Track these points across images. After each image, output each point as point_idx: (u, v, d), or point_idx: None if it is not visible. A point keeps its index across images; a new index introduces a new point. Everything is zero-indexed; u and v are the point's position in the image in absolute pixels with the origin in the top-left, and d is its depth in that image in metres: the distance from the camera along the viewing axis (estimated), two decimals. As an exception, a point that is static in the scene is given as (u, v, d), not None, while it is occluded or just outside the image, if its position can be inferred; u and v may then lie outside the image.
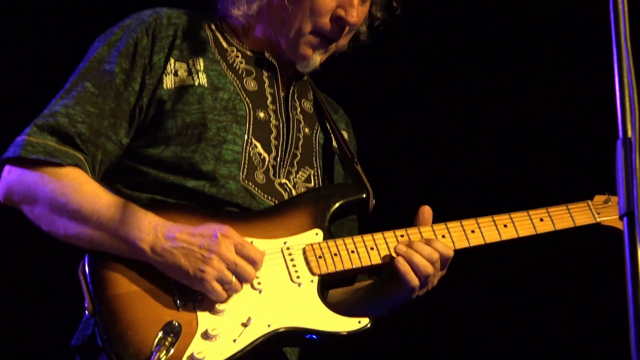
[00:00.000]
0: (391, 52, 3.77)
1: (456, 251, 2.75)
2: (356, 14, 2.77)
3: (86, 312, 2.53)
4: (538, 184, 4.01)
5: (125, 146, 2.72)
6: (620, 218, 2.01)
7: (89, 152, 2.66)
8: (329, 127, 2.97)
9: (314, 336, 2.58)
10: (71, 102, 2.67)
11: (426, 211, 2.78)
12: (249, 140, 2.76)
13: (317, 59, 2.83)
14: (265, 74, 2.88)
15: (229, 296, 2.52)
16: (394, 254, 2.69)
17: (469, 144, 4.69)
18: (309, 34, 2.81)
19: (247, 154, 2.74)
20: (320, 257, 2.65)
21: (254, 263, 2.53)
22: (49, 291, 4.24)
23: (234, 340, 2.51)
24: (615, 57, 2.03)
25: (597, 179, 2.78)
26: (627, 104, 2.04)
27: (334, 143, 2.99)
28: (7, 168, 2.66)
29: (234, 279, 2.50)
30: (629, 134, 2.03)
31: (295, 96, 2.94)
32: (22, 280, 4.23)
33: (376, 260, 2.69)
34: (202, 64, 2.79)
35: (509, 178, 4.59)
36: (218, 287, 2.49)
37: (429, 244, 2.69)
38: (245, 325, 2.53)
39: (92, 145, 2.66)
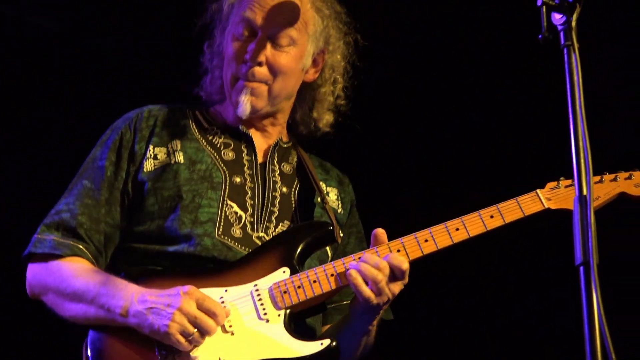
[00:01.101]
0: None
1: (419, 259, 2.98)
2: (252, 53, 3.12)
3: None
4: (503, 182, 4.18)
5: (123, 228, 3.08)
6: (577, 267, 2.23)
7: (92, 239, 3.04)
8: (310, 185, 3.25)
9: None
10: (72, 199, 3.08)
11: (379, 233, 3.01)
12: (224, 202, 3.08)
13: (247, 102, 3.14)
14: (242, 144, 3.23)
15: (199, 344, 2.80)
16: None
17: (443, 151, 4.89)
18: (233, 82, 3.18)
19: (222, 213, 3.06)
20: (285, 292, 2.90)
21: (214, 315, 2.78)
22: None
23: None
24: (571, 124, 2.25)
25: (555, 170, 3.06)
26: (583, 165, 2.26)
27: (317, 198, 3.25)
28: (28, 268, 3.05)
29: (195, 331, 2.76)
30: (584, 192, 2.25)
31: (275, 161, 3.26)
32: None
33: (336, 284, 2.93)
34: (179, 145, 3.16)
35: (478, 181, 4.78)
36: (181, 338, 2.76)
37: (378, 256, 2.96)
38: None
39: (94, 232, 3.05)
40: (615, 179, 3.11)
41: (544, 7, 2.34)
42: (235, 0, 3.23)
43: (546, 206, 3.05)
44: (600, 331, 2.15)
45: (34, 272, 3.03)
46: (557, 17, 2.33)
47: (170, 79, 4.34)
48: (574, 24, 2.31)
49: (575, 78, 2.28)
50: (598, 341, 2.15)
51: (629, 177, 3.11)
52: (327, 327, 3.21)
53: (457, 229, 2.99)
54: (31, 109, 4.74)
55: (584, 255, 2.20)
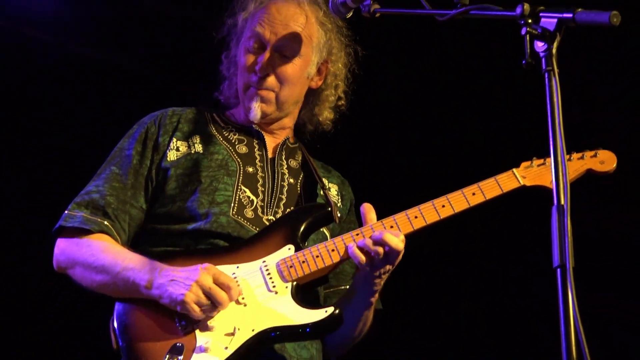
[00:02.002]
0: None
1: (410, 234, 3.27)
2: (261, 64, 3.44)
3: (113, 345, 3.17)
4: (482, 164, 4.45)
5: (146, 210, 3.38)
6: (555, 270, 2.45)
7: (118, 218, 3.33)
8: (314, 178, 3.56)
9: (296, 330, 3.15)
10: (101, 182, 3.39)
11: (366, 209, 3.29)
12: (239, 187, 3.40)
13: (258, 108, 3.48)
14: (255, 140, 3.58)
15: (211, 314, 3.10)
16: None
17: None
18: (246, 90, 3.51)
19: (236, 196, 3.37)
20: (291, 266, 3.20)
21: (228, 289, 3.08)
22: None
23: (225, 348, 3.08)
24: (551, 141, 2.48)
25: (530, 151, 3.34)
26: (561, 177, 2.49)
27: (320, 190, 3.55)
28: (56, 243, 3.33)
29: (208, 302, 3.06)
30: (562, 201, 2.48)
31: (283, 156, 3.59)
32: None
33: (336, 258, 3.23)
34: (199, 139, 3.49)
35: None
36: (196, 307, 3.05)
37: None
38: (232, 334, 3.09)
39: (121, 212, 3.34)
40: (582, 157, 3.39)
41: (528, 35, 2.55)
42: (248, 16, 3.55)
43: (522, 183, 3.33)
44: (575, 327, 2.35)
45: (63, 247, 3.29)
46: (539, 45, 2.53)
47: (192, 87, 4.65)
48: (554, 51, 2.51)
49: (555, 99, 2.49)
50: (573, 336, 2.35)
51: (595, 155, 3.38)
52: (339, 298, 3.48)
53: (444, 206, 3.28)
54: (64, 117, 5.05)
55: (561, 258, 2.41)
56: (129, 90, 5.35)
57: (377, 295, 3.35)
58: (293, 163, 3.60)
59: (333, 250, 3.23)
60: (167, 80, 5.42)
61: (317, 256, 3.22)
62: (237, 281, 3.15)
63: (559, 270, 2.42)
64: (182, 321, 3.10)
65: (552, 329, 2.54)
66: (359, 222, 3.34)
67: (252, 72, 3.48)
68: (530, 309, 5.04)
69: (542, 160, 3.34)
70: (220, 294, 3.07)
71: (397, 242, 3.16)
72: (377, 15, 3.17)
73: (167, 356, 3.06)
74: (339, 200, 3.62)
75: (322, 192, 3.53)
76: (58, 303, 4.93)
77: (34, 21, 5.40)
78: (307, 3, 3.54)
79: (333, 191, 3.62)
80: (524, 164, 3.37)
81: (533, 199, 3.32)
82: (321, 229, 3.44)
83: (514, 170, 3.35)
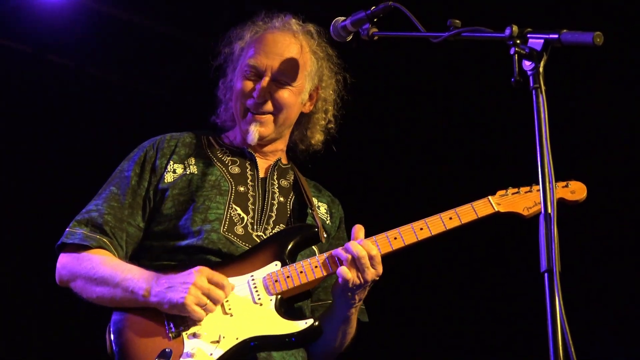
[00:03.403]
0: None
1: (390, 254, 3.45)
2: (259, 91, 3.61)
3: (107, 350, 3.37)
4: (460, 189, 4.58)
5: (144, 228, 3.57)
6: (542, 274, 2.58)
7: (115, 235, 3.51)
8: (304, 198, 3.74)
9: (282, 339, 3.35)
10: (100, 201, 3.58)
11: (356, 229, 3.47)
12: (230, 205, 3.58)
13: (256, 131, 3.65)
14: (247, 162, 3.75)
15: (212, 311, 3.29)
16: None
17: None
18: (244, 114, 3.68)
19: (227, 214, 3.55)
20: (276, 281, 3.40)
21: (223, 287, 3.29)
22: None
23: (211, 354, 3.26)
24: (538, 153, 2.62)
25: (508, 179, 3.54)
26: (547, 187, 2.63)
27: (308, 209, 3.73)
28: (59, 258, 3.51)
29: (208, 301, 3.26)
30: (549, 210, 2.63)
31: (275, 177, 3.76)
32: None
33: (319, 274, 3.43)
34: (194, 161, 3.67)
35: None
36: (197, 308, 3.25)
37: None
38: (218, 342, 3.29)
39: (118, 229, 3.52)
40: (555, 187, 3.55)
41: (516, 55, 2.69)
42: (245, 45, 3.74)
43: (496, 209, 3.52)
44: (561, 328, 2.48)
45: (65, 262, 3.47)
46: (527, 64, 2.68)
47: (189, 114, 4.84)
48: (541, 69, 2.66)
49: (542, 115, 2.63)
50: (560, 337, 2.48)
51: (566, 186, 3.57)
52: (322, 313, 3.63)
53: (421, 228, 3.47)
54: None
55: (548, 263, 2.55)
56: (150, 113, 5.54)
57: (354, 309, 3.51)
58: (284, 182, 3.77)
59: (316, 267, 3.42)
60: (186, 104, 5.61)
61: (301, 272, 3.41)
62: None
63: (546, 274, 2.55)
64: (172, 327, 3.29)
65: (539, 330, 2.65)
66: (349, 238, 3.50)
67: (250, 98, 3.65)
68: (519, 311, 5.16)
69: (516, 189, 3.55)
70: (218, 292, 3.28)
71: (360, 249, 3.35)
72: (375, 38, 3.32)
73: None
74: (328, 217, 3.79)
75: (310, 211, 3.69)
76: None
77: (57, 48, 5.63)
78: (301, 33, 3.73)
79: (322, 210, 3.80)
80: (499, 192, 3.56)
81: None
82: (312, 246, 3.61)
83: (490, 197, 3.54)
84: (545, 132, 2.61)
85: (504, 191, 3.55)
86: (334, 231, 3.80)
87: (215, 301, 3.29)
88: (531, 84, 2.67)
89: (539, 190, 3.30)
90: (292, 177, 3.82)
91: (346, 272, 3.35)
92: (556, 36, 2.68)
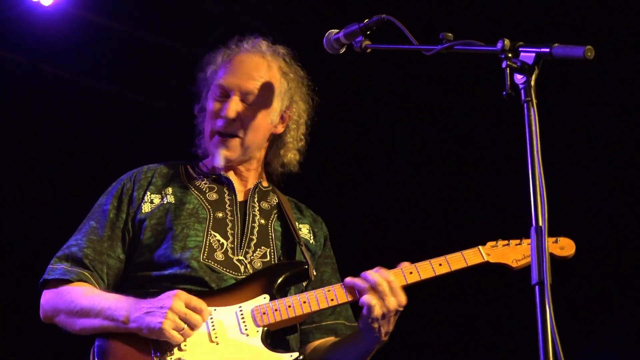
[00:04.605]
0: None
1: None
2: (226, 110, 3.62)
3: None
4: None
5: (124, 260, 3.60)
6: (534, 286, 2.60)
7: (95, 268, 3.55)
8: (286, 220, 3.76)
9: None
10: (80, 236, 3.62)
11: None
12: (209, 232, 3.60)
13: (222, 154, 3.66)
14: (224, 187, 3.75)
15: (189, 336, 3.30)
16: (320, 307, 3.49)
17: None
18: (212, 137, 3.69)
19: (207, 241, 3.57)
20: (264, 313, 3.44)
21: (200, 311, 3.31)
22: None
23: None
24: (529, 166, 2.63)
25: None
26: (539, 200, 2.64)
27: (291, 230, 3.76)
28: (42, 295, 3.55)
29: (185, 326, 3.27)
30: (540, 223, 2.64)
31: (256, 199, 3.77)
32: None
33: (307, 309, 3.46)
34: (171, 190, 3.69)
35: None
36: (174, 333, 3.27)
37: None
38: None
39: (98, 262, 3.56)
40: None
41: (508, 69, 2.71)
42: (217, 67, 3.75)
43: (486, 259, 3.57)
44: (552, 340, 2.50)
45: (47, 298, 3.53)
46: (519, 78, 2.69)
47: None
48: (532, 83, 2.67)
49: (534, 128, 2.64)
50: (550, 349, 2.49)
51: (556, 241, 3.59)
52: (317, 342, 3.71)
53: (411, 273, 3.51)
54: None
55: (539, 275, 2.57)
56: (145, 124, 5.54)
57: (378, 344, 3.52)
58: (265, 205, 3.76)
59: (305, 302, 3.46)
60: (180, 114, 5.61)
61: (290, 306, 3.45)
62: (212, 322, 3.38)
63: (537, 287, 2.57)
64: (157, 352, 3.31)
65: (531, 342, 2.67)
66: (336, 257, 3.58)
67: (219, 118, 3.66)
68: (509, 324, 5.18)
69: (506, 242, 3.59)
70: (195, 317, 3.29)
71: (377, 276, 3.40)
72: (368, 50, 3.34)
73: None
74: (311, 237, 3.79)
75: (298, 246, 3.70)
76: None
77: (52, 59, 5.64)
78: (269, 54, 3.74)
79: (304, 230, 3.80)
80: (490, 243, 3.60)
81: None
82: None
83: (480, 247, 3.59)
84: (537, 145, 2.63)
85: (494, 242, 3.59)
86: (319, 250, 3.82)
87: (192, 326, 3.30)
88: (522, 98, 2.68)
89: (529, 244, 3.39)
90: (275, 200, 3.82)
91: (369, 298, 3.39)
92: (548, 50, 2.70)
